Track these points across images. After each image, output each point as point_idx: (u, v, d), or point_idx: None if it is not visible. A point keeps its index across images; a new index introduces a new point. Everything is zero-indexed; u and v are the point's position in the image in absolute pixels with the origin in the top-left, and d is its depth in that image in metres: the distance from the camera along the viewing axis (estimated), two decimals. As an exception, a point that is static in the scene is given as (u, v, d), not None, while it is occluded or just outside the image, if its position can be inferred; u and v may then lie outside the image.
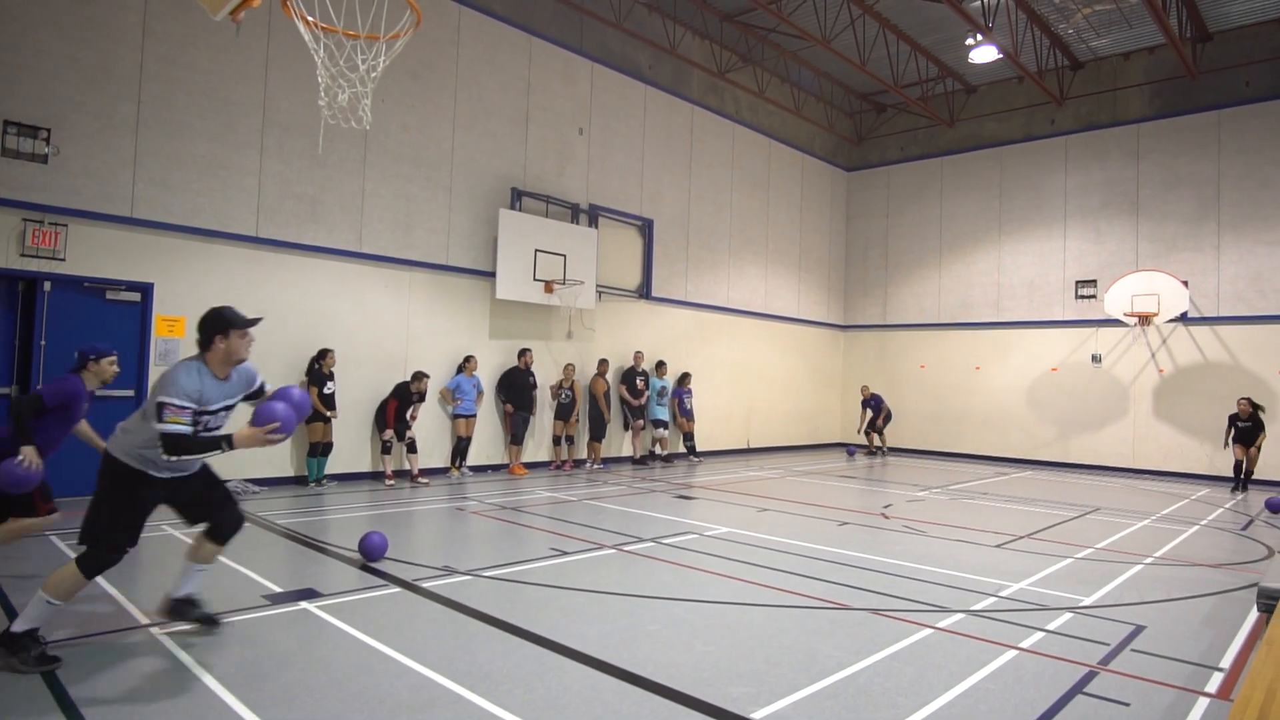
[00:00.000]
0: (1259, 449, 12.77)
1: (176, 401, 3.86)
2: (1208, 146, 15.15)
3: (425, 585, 5.60)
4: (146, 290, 9.16)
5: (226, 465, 9.67)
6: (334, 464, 10.58)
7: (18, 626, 3.88)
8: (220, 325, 4.06)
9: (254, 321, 4.18)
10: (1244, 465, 12.82)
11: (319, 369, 10.09)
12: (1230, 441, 12.93)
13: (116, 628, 4.52)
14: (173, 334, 9.32)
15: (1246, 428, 12.71)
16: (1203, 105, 15.21)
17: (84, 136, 8.65)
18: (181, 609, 4.45)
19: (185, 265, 9.42)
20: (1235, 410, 12.94)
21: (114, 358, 5.31)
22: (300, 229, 10.35)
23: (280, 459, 10.18)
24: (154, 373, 9.10)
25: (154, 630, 4.46)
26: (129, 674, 3.87)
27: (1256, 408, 12.78)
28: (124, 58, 8.94)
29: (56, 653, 3.96)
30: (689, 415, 15.16)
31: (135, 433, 4.03)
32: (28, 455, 4.81)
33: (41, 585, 3.90)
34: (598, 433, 13.51)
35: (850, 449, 18.26)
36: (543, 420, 13.13)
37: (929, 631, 4.84)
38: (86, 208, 8.66)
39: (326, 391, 10.11)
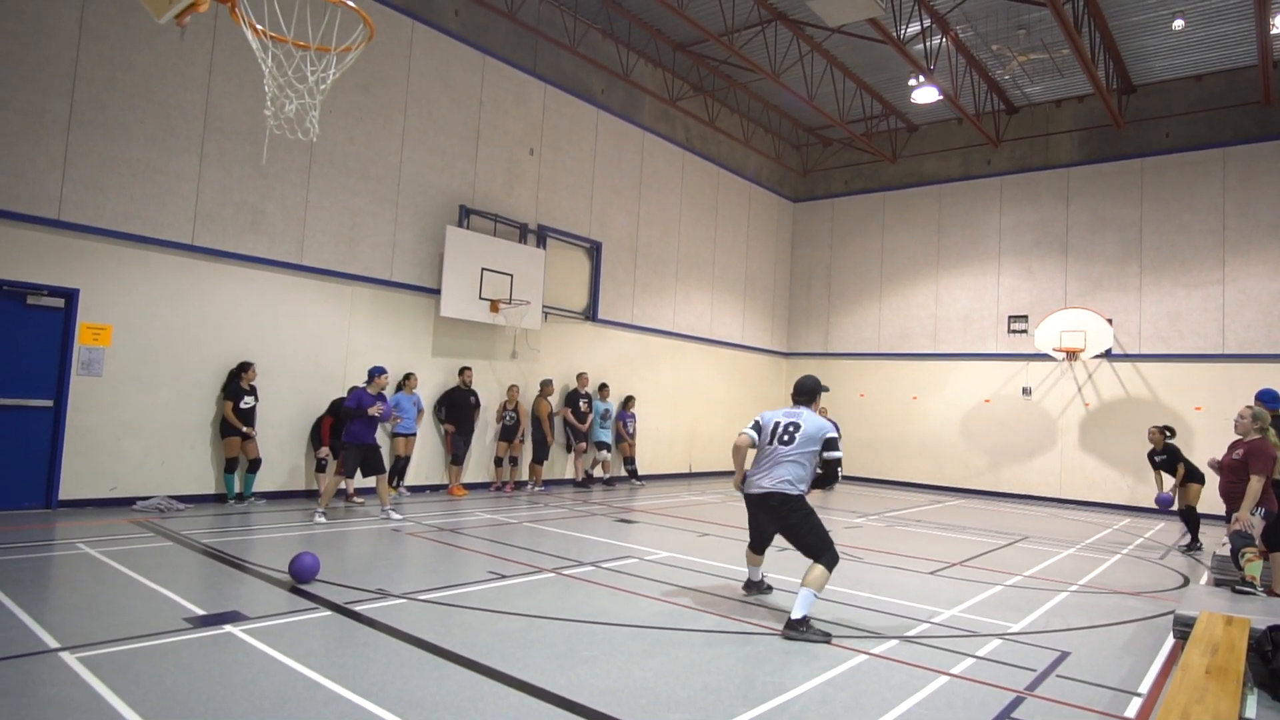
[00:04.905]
0: (1181, 483, 10.30)
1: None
2: (1131, 192, 15.95)
3: (357, 609, 5.44)
4: (71, 296, 8.76)
5: (149, 482, 9.28)
6: (267, 481, 10.24)
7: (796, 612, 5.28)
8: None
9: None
10: (1181, 507, 10.28)
11: (237, 383, 9.77)
12: (1159, 483, 10.74)
13: (22, 651, 4.26)
14: (98, 343, 8.90)
15: (1163, 460, 10.61)
16: (1127, 153, 16.03)
17: (10, 133, 8.29)
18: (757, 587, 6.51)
19: (115, 271, 9.06)
20: (1151, 446, 10.85)
21: None
22: (239, 238, 10.07)
23: (205, 475, 9.81)
24: (75, 382, 8.69)
25: (64, 655, 4.23)
26: (34, 702, 3.65)
27: (1165, 434, 10.70)
28: (58, 54, 8.61)
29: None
30: (631, 438, 15.15)
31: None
32: None
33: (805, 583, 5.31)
34: (540, 454, 13.38)
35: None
36: (483, 440, 12.96)
37: (864, 658, 4.90)
38: (9, 207, 8.28)
39: (244, 406, 9.77)
